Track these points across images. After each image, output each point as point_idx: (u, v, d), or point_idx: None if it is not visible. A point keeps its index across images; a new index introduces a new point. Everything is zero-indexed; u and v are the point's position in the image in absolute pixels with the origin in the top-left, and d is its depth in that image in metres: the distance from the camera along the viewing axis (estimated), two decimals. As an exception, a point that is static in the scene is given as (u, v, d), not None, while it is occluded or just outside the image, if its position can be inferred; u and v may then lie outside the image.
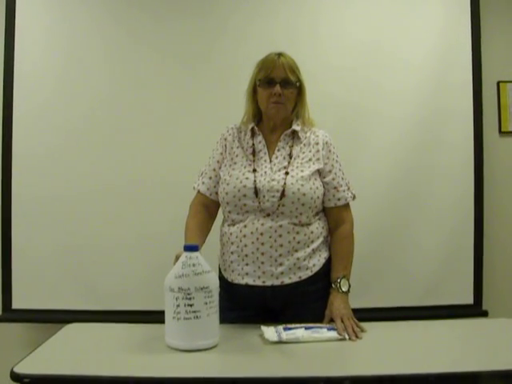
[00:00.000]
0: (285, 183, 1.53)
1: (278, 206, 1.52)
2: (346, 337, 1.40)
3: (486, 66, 2.54)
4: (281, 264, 1.52)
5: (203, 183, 1.67)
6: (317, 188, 1.57)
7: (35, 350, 1.32)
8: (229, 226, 1.60)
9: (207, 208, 1.66)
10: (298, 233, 1.54)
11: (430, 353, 1.30)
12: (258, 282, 1.53)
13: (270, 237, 1.51)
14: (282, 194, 1.52)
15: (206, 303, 1.29)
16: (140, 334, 1.45)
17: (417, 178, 2.47)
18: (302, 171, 1.56)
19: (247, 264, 1.54)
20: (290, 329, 1.42)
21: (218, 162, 1.67)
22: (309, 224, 1.57)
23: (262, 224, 1.52)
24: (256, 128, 1.65)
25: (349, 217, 1.65)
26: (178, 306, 1.28)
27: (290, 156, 1.60)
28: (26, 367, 1.19)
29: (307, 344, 1.36)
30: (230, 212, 1.59)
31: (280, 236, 1.52)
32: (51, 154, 2.42)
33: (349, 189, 1.65)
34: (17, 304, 2.41)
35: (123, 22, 2.46)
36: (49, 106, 2.42)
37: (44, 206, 2.40)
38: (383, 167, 2.46)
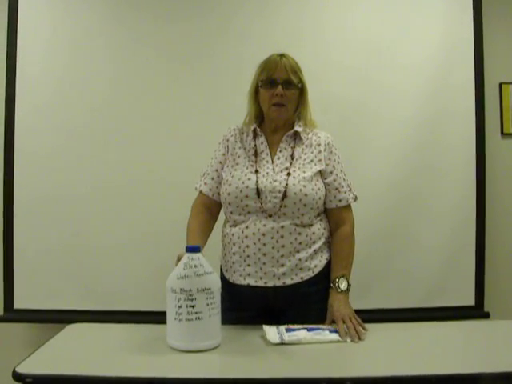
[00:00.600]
0: (287, 184, 1.53)
1: (280, 206, 1.52)
2: (348, 340, 1.40)
3: (488, 68, 2.54)
4: (283, 265, 1.52)
5: (205, 184, 1.67)
6: (318, 189, 1.57)
7: (37, 350, 1.32)
8: (231, 226, 1.60)
9: (209, 209, 1.66)
10: (299, 234, 1.54)
11: (431, 354, 1.30)
12: (260, 283, 1.53)
13: (272, 238, 1.51)
14: (284, 195, 1.52)
15: (208, 304, 1.29)
16: (142, 334, 1.45)
17: (418, 179, 2.47)
18: (304, 172, 1.56)
19: (249, 265, 1.54)
20: (291, 330, 1.42)
21: (220, 162, 1.67)
22: (310, 225, 1.57)
23: (264, 225, 1.52)
24: (258, 129, 1.66)
25: (350, 218, 1.65)
26: (179, 307, 1.28)
27: (292, 157, 1.60)
28: (28, 367, 1.19)
29: (309, 345, 1.36)
30: (231, 213, 1.59)
31: (282, 237, 1.52)
32: (53, 154, 2.42)
33: (350, 190, 1.65)
34: (19, 304, 2.41)
35: (125, 23, 2.46)
36: (51, 105, 2.43)
37: (46, 206, 2.41)
38: (385, 168, 2.46)
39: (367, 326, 1.49)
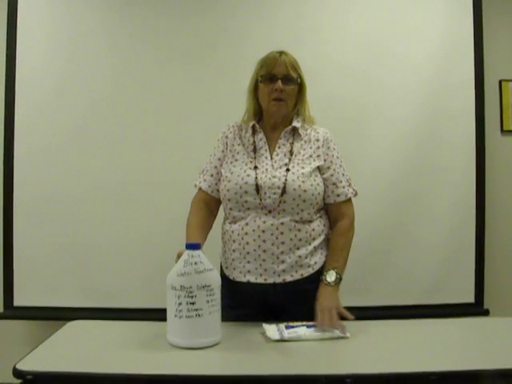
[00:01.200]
0: (286, 180, 1.53)
1: (279, 202, 1.52)
2: (348, 335, 1.40)
3: (488, 65, 2.54)
4: (282, 262, 1.52)
5: (204, 180, 1.67)
6: (317, 184, 1.57)
7: (37, 347, 1.32)
8: (230, 223, 1.60)
9: (208, 205, 1.66)
10: (299, 230, 1.54)
11: (431, 351, 1.30)
12: (260, 280, 1.53)
13: (272, 234, 1.52)
14: (283, 191, 1.52)
15: (208, 301, 1.29)
16: (142, 331, 1.45)
17: (418, 176, 2.47)
18: (302, 168, 1.56)
19: (249, 262, 1.54)
20: (291, 327, 1.42)
21: (219, 159, 1.67)
22: (310, 221, 1.57)
23: (264, 221, 1.52)
24: (257, 125, 1.65)
25: (348, 213, 1.63)
26: (179, 304, 1.28)
27: (291, 153, 1.60)
28: (28, 364, 1.19)
29: (309, 342, 1.36)
30: (231, 209, 1.59)
31: (282, 234, 1.52)
32: (53, 154, 2.43)
33: (350, 185, 1.63)
34: (19, 301, 2.41)
35: (125, 22, 2.46)
36: (51, 105, 2.43)
37: (46, 203, 2.41)
38: (385, 166, 2.46)
39: (367, 323, 1.50)
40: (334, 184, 1.61)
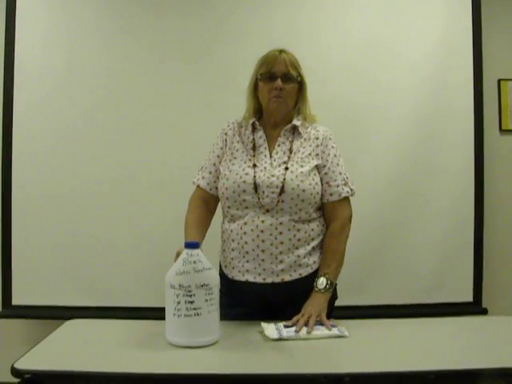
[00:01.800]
0: (284, 179, 1.53)
1: (278, 201, 1.52)
2: (346, 334, 1.40)
3: (486, 64, 2.54)
4: (281, 261, 1.52)
5: (203, 178, 1.67)
6: (316, 184, 1.56)
7: (35, 346, 1.32)
8: (229, 222, 1.60)
9: (206, 203, 1.66)
10: (298, 230, 1.54)
11: (429, 350, 1.30)
12: (259, 279, 1.53)
13: (271, 234, 1.51)
14: (282, 190, 1.52)
15: (207, 300, 1.29)
16: (140, 330, 1.45)
17: (417, 176, 2.47)
18: (301, 166, 1.55)
19: (248, 261, 1.54)
20: (290, 326, 1.42)
21: (218, 156, 1.66)
22: (309, 221, 1.56)
23: (263, 221, 1.52)
24: (257, 123, 1.65)
25: (341, 214, 1.60)
26: (178, 302, 1.28)
27: (291, 151, 1.59)
28: (26, 363, 1.19)
29: (307, 341, 1.36)
30: (229, 207, 1.59)
31: (280, 233, 1.52)
32: (52, 153, 2.42)
33: (345, 184, 1.60)
34: (17, 300, 2.41)
35: (123, 21, 2.46)
36: (49, 103, 2.43)
37: (44, 203, 2.41)
38: (383, 165, 2.46)
39: (365, 322, 1.51)
40: (327, 183, 1.59)
